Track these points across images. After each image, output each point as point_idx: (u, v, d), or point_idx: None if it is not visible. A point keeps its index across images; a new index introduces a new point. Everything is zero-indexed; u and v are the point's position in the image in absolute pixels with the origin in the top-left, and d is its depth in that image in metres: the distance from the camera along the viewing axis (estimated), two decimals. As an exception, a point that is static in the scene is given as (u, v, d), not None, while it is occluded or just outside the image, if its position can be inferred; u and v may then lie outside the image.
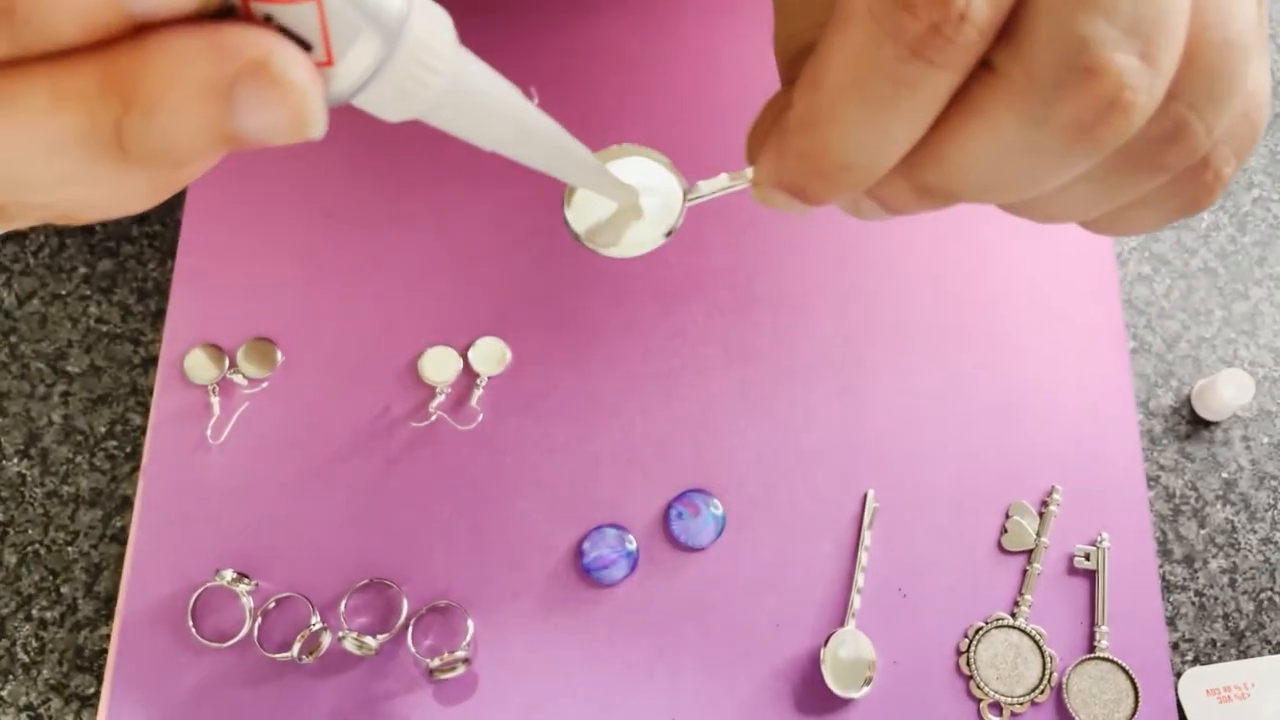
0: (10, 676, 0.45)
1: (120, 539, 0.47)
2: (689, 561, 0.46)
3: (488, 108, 0.18)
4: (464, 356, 0.49)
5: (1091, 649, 0.45)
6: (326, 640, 0.44)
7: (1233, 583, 0.47)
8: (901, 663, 0.45)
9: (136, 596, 0.45)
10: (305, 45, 0.15)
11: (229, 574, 0.45)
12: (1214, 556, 0.48)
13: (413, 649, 0.45)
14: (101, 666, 0.45)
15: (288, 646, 0.44)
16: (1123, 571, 0.46)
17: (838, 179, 0.21)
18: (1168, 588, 0.47)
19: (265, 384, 0.48)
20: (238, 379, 0.48)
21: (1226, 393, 0.47)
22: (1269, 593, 0.47)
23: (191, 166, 0.18)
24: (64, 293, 0.51)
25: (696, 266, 0.50)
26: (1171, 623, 0.47)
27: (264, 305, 0.49)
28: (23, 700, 0.45)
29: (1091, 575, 0.46)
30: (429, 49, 0.16)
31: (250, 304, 0.49)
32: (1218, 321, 0.51)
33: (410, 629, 0.45)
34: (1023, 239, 0.51)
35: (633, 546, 0.46)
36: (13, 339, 0.50)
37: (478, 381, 0.48)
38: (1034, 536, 0.47)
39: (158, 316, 0.50)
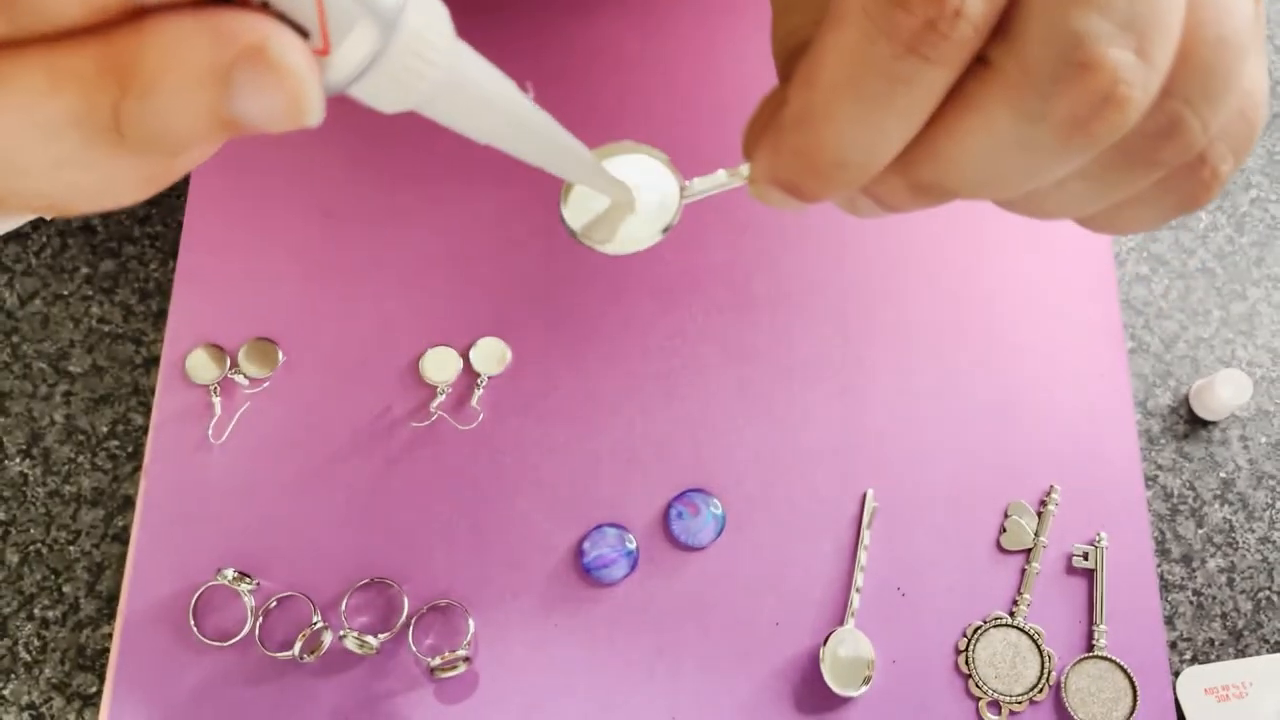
0: (12, 675, 0.45)
1: (122, 538, 0.47)
2: (689, 561, 0.46)
3: (484, 101, 0.18)
4: (465, 356, 0.49)
5: (1090, 648, 0.45)
6: (327, 639, 0.45)
7: (1231, 582, 0.47)
8: (900, 662, 0.45)
9: (138, 596, 0.45)
10: (303, 33, 0.15)
11: (230, 573, 0.45)
12: (1212, 556, 0.48)
13: (413, 648, 0.45)
14: (103, 665, 0.45)
15: (289, 645, 0.44)
16: (1121, 571, 0.46)
17: (833, 176, 0.21)
18: (1166, 587, 0.47)
19: (266, 384, 0.48)
20: (239, 379, 0.48)
21: (1224, 393, 0.47)
22: (1267, 592, 0.47)
23: (186, 155, 0.18)
24: (66, 293, 0.51)
25: (695, 264, 0.50)
26: (1170, 622, 0.47)
27: (265, 305, 0.49)
28: (25, 699, 0.45)
29: (1090, 574, 0.46)
30: (425, 40, 0.16)
31: (251, 304, 0.49)
32: (1215, 322, 0.51)
33: (411, 628, 0.45)
34: (1022, 239, 0.51)
35: (633, 546, 0.46)
36: (15, 339, 0.50)
37: (478, 381, 0.48)
38: (1032, 536, 0.47)
39: (159, 316, 0.50)
